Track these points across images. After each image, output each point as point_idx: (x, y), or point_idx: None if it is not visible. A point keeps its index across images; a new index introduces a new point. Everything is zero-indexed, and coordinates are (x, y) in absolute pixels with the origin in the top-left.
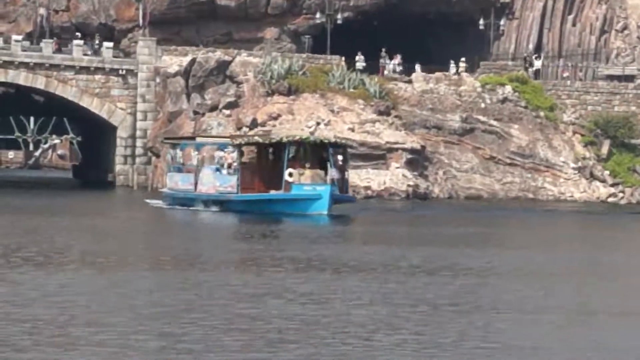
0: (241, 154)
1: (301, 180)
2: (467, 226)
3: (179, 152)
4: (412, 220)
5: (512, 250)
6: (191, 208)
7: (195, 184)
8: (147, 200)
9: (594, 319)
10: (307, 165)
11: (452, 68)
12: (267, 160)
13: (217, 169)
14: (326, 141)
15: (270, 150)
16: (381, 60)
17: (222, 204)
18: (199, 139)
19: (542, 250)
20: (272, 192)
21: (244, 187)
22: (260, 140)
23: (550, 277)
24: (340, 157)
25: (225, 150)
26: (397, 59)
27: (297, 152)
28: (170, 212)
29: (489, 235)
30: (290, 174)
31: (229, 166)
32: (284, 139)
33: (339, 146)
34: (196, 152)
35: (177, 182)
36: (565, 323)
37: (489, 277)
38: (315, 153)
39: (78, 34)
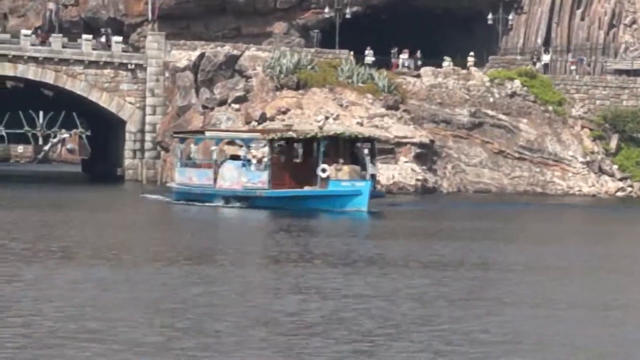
0: (272, 149)
1: (338, 176)
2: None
3: (193, 147)
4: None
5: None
6: (207, 204)
7: (215, 179)
8: (145, 195)
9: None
10: (341, 160)
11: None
12: (296, 156)
13: (243, 164)
14: (360, 136)
15: (300, 145)
16: (393, 59)
17: (249, 200)
18: (217, 133)
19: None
20: (307, 188)
21: (275, 183)
22: (294, 135)
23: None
24: (366, 151)
25: (252, 145)
26: (407, 54)
27: (328, 147)
28: (186, 208)
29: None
30: (324, 170)
31: (259, 161)
32: (319, 134)
33: (371, 140)
34: (215, 147)
35: (192, 178)
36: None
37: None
38: (346, 148)
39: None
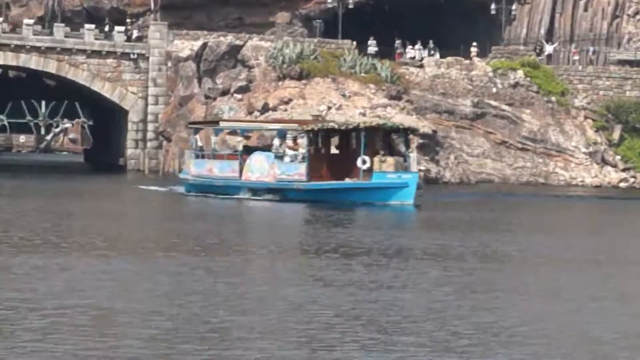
0: (310, 140)
1: (383, 168)
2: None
3: (214, 138)
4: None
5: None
6: (230, 196)
7: (241, 171)
8: (142, 187)
9: None
10: (382, 152)
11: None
12: (332, 147)
13: (277, 156)
14: (401, 126)
15: (337, 136)
16: (399, 51)
17: (283, 192)
18: (243, 124)
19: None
20: (347, 180)
21: (312, 176)
22: (336, 125)
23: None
24: (401, 142)
25: (288, 135)
26: (419, 44)
27: (367, 138)
28: (209, 201)
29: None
30: (364, 161)
31: (297, 153)
32: (360, 125)
33: (408, 131)
34: (241, 138)
35: (212, 169)
36: None
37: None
38: (385, 139)
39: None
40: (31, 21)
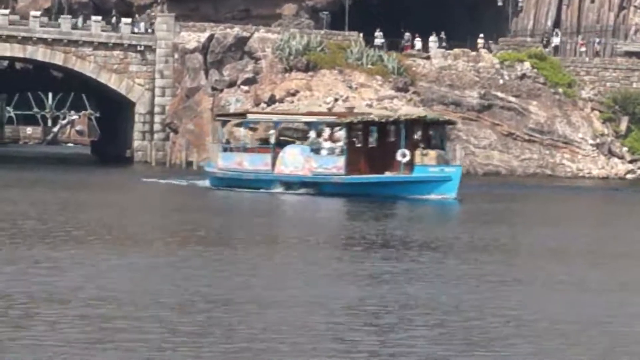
0: (349, 133)
1: (425, 161)
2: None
3: (242, 130)
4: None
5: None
6: (262, 190)
7: (273, 164)
8: (145, 179)
9: None
10: (422, 145)
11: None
12: (370, 140)
13: (313, 149)
14: (441, 119)
15: (375, 128)
16: (407, 43)
17: (319, 186)
18: (276, 117)
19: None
20: (387, 173)
21: (351, 169)
22: (376, 118)
23: None
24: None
25: (324, 128)
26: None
27: (407, 131)
28: (241, 195)
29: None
30: (404, 154)
31: (334, 146)
32: (401, 117)
33: (447, 123)
34: (274, 131)
35: (242, 162)
36: None
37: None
38: (424, 132)
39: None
40: (38, 13)
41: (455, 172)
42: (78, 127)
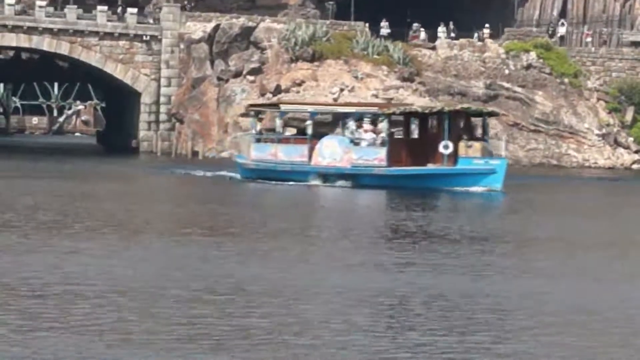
0: (390, 124)
1: (469, 153)
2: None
3: (278, 121)
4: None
5: None
6: (298, 182)
7: (310, 156)
8: (181, 171)
9: None
10: (465, 137)
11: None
12: (411, 131)
13: (352, 141)
14: (485, 111)
15: (415, 120)
16: (414, 34)
17: (359, 178)
18: (311, 107)
19: None
20: (430, 165)
21: (392, 161)
22: (419, 109)
23: None
24: (479, 126)
25: (365, 119)
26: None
27: (450, 123)
28: (277, 187)
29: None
30: (446, 146)
31: (375, 137)
32: (445, 109)
33: (490, 115)
34: (310, 122)
35: (277, 154)
36: None
37: None
38: (467, 123)
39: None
40: (44, 3)
41: (500, 165)
42: (84, 117)
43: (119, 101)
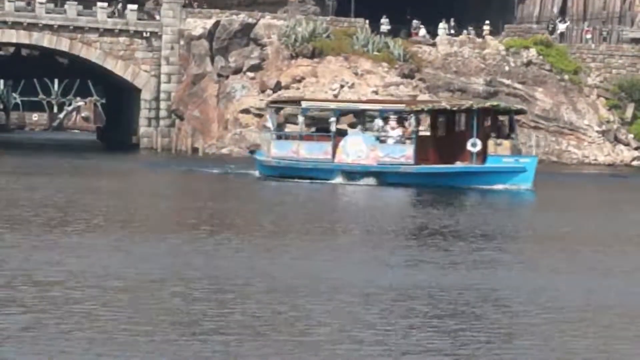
0: (418, 121)
1: (498, 151)
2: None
3: (300, 118)
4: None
5: None
6: (321, 181)
7: (334, 153)
8: (185, 168)
9: None
10: (494, 134)
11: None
12: (438, 129)
13: (378, 138)
14: (514, 108)
15: (442, 117)
16: (414, 31)
17: (385, 176)
18: (334, 104)
19: None
20: (458, 163)
21: (419, 159)
22: (448, 106)
23: None
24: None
25: (391, 117)
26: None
27: (479, 120)
28: (301, 185)
29: None
30: (474, 144)
31: (402, 135)
32: (474, 106)
33: (516, 112)
34: (334, 118)
35: (299, 151)
36: None
37: None
38: (494, 121)
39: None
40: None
41: (530, 163)
42: (84, 114)
43: (119, 97)
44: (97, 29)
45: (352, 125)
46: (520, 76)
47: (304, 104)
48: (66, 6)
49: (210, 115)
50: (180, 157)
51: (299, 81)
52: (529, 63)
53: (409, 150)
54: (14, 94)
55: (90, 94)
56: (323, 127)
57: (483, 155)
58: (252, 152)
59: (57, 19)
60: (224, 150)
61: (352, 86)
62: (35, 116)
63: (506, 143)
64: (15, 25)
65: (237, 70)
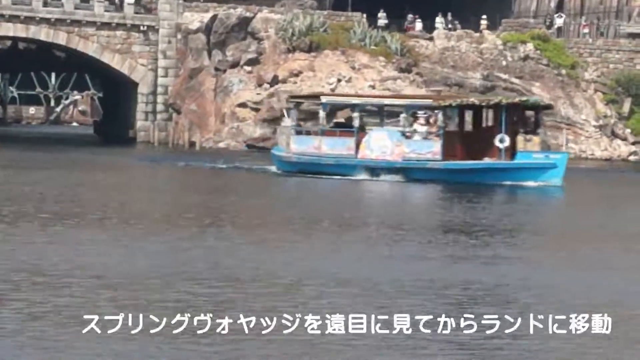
0: (446, 116)
1: (527, 147)
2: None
3: (322, 113)
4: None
5: None
6: (343, 177)
7: (357, 149)
8: (192, 163)
9: None
10: (521, 130)
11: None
12: (465, 124)
13: (404, 134)
14: (542, 103)
15: (470, 113)
16: (409, 25)
17: (410, 172)
18: (356, 99)
19: None
20: (486, 159)
21: (447, 155)
22: (476, 102)
23: None
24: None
25: (419, 113)
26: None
27: (507, 115)
28: (324, 181)
29: None
30: (502, 140)
31: (429, 131)
32: (503, 101)
33: (544, 108)
34: (357, 114)
35: (321, 146)
36: None
37: None
38: (522, 116)
39: None
40: None
41: (561, 159)
42: (81, 107)
43: (116, 91)
44: (94, 23)
45: (348, 120)
46: (517, 71)
47: (323, 99)
48: (63, 0)
49: (207, 109)
50: (178, 151)
51: (296, 75)
52: (526, 57)
53: (436, 146)
54: (10, 88)
55: (88, 87)
56: (339, 122)
57: (512, 151)
58: (249, 146)
59: (54, 13)
60: (221, 144)
61: (349, 80)
62: (32, 110)
63: (536, 139)
64: (12, 18)
65: (235, 64)
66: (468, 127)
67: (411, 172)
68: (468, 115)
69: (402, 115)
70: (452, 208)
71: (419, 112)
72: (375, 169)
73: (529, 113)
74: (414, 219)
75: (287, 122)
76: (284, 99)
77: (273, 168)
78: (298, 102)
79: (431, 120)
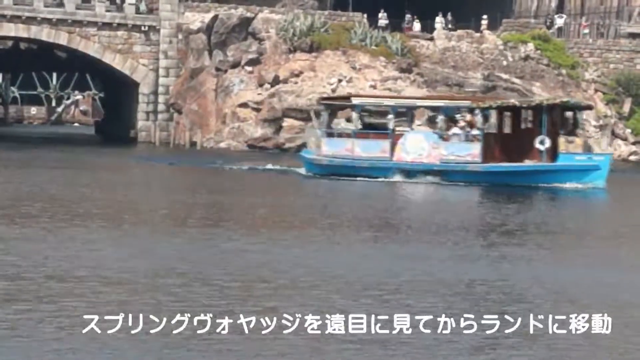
0: (485, 118)
1: (570, 149)
2: None
3: (354, 115)
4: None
5: None
6: (377, 179)
7: (392, 151)
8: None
9: None
10: (562, 132)
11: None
12: (504, 126)
13: (441, 136)
14: (583, 104)
15: (509, 114)
16: (407, 25)
17: (448, 174)
18: (391, 101)
19: None
20: (527, 162)
21: (486, 157)
22: (517, 103)
23: None
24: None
25: (458, 115)
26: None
27: (548, 117)
28: (360, 184)
29: None
30: (542, 141)
31: (469, 132)
32: (544, 102)
33: (581, 109)
34: (392, 115)
35: (354, 149)
36: None
37: None
38: (562, 117)
39: None
40: None
41: (604, 161)
42: (82, 107)
43: (117, 91)
44: (95, 23)
45: (347, 120)
46: (518, 71)
47: (355, 101)
48: (65, 0)
49: (208, 109)
50: (180, 151)
51: (297, 75)
52: (526, 57)
53: (475, 148)
54: (12, 88)
55: (89, 87)
56: (370, 123)
57: (553, 152)
58: (250, 146)
59: (56, 13)
60: (222, 145)
61: (350, 80)
62: (33, 110)
63: (578, 140)
64: (13, 18)
65: (235, 64)
66: (507, 129)
67: (449, 175)
68: (507, 117)
69: (439, 117)
70: (508, 210)
71: (459, 115)
72: (412, 172)
73: (568, 114)
74: (462, 221)
75: (316, 124)
76: (285, 99)
77: (302, 170)
78: (328, 104)
79: (469, 121)
